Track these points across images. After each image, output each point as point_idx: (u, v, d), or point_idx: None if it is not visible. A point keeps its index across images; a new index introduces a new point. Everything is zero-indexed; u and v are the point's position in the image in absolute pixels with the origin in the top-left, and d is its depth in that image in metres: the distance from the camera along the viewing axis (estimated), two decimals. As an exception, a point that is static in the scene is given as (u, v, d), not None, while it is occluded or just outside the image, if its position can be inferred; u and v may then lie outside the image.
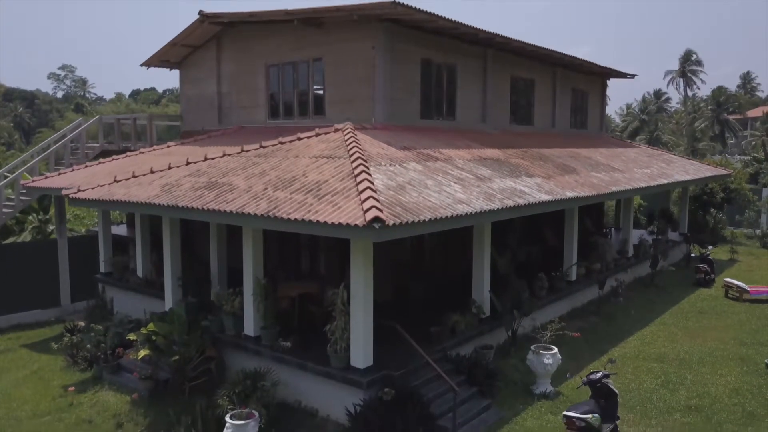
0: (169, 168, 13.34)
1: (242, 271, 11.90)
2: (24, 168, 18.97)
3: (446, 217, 9.61)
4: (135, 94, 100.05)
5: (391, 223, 8.56)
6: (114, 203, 12.38)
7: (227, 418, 9.78)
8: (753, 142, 58.05)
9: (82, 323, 15.50)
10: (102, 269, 17.62)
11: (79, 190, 13.39)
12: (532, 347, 11.91)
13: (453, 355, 11.79)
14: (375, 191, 9.42)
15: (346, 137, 12.50)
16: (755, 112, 71.92)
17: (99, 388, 12.61)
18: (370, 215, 8.46)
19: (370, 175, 10.20)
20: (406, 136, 14.06)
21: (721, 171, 25.45)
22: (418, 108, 15.78)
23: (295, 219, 9.20)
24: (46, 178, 17.52)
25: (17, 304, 18.52)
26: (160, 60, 18.87)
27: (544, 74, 20.82)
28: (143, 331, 11.38)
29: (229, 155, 13.29)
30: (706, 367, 13.21)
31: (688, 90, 76.76)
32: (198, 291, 13.78)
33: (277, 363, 11.33)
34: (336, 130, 13.33)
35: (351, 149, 11.59)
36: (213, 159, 13.24)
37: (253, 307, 11.81)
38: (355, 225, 8.47)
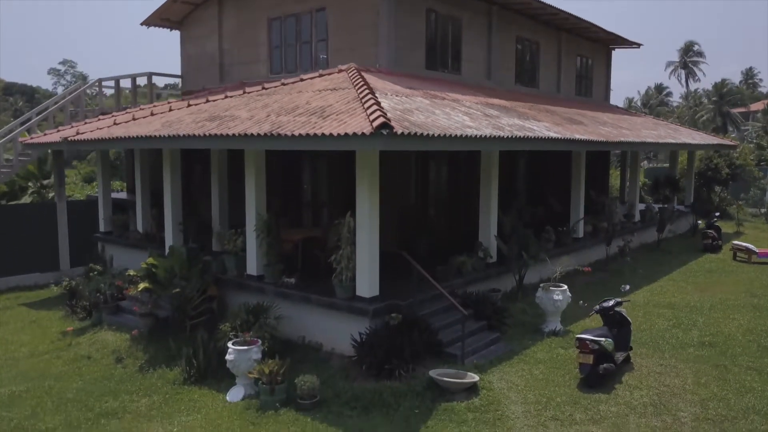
0: (170, 110, 13.09)
1: (244, 224, 11.61)
2: (22, 128, 18.70)
3: (455, 135, 9.35)
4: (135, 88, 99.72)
5: (399, 131, 8.30)
6: (113, 141, 12.13)
7: (229, 344, 9.51)
8: (756, 133, 57.83)
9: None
10: (101, 228, 17.34)
11: (78, 133, 13.13)
12: (541, 285, 11.64)
13: (459, 293, 11.51)
14: (382, 109, 9.15)
15: (351, 75, 12.24)
16: (757, 106, 71.70)
17: (98, 330, 12.34)
18: (377, 122, 8.19)
19: (377, 99, 9.92)
20: (412, 81, 13.80)
21: (727, 141, 25.16)
22: (423, 58, 15.52)
23: (299, 135, 8.94)
24: (45, 135, 17.25)
25: (15, 266, 18.22)
26: (160, 18, 18.60)
27: (549, 37, 20.57)
28: (143, 265, 11.10)
29: (231, 96, 13.04)
30: (717, 312, 12.94)
31: (690, 80, 76.44)
32: (198, 239, 13.52)
33: (281, 299, 11.06)
34: (340, 71, 13.07)
35: (356, 82, 11.32)
36: (215, 100, 13.00)
37: (255, 244, 11.53)
38: (362, 133, 8.20)
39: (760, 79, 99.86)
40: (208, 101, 12.99)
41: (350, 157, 10.16)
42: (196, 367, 10.00)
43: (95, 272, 13.59)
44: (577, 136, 13.06)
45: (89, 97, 22.05)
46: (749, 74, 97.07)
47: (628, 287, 10.77)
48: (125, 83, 19.31)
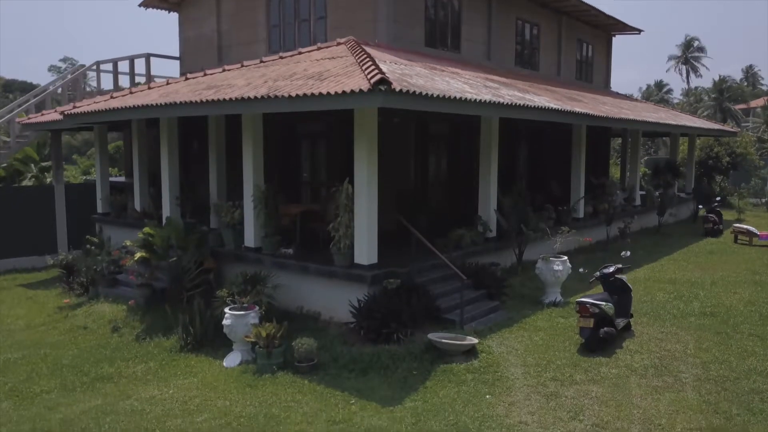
0: (168, 84, 13.00)
1: (242, 200, 11.51)
2: (20, 109, 18.60)
3: (455, 97, 9.25)
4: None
5: (398, 88, 8.20)
6: (110, 111, 12.03)
7: (226, 310, 9.42)
8: (756, 125, 57.69)
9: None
10: (99, 209, 17.23)
11: (75, 107, 13.04)
12: (541, 256, 11.54)
13: (458, 264, 11.39)
14: (381, 71, 9.03)
15: (350, 46, 12.15)
16: (758, 102, 71.52)
17: (95, 302, 12.26)
18: (375, 79, 8.10)
19: (376, 63, 9.80)
20: (411, 56, 13.70)
21: (728, 128, 25.06)
22: (423, 36, 15.43)
23: (297, 95, 8.84)
24: (42, 114, 17.18)
25: (13, 249, 18.14)
26: (158, -1, 18.52)
27: (550, 20, 20.47)
28: (140, 234, 11.01)
29: (229, 70, 12.95)
30: (719, 287, 12.85)
31: (692, 76, 76.23)
32: (195, 217, 13.42)
33: (279, 269, 10.97)
34: (338, 44, 12.98)
35: (355, 52, 11.23)
36: (212, 74, 12.91)
37: (253, 215, 11.43)
38: (360, 90, 8.11)
39: (761, 77, 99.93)
40: (205, 75, 12.92)
41: (349, 136, 10.08)
42: (193, 335, 9.91)
43: (92, 246, 13.47)
44: (578, 109, 12.98)
45: (87, 86, 21.87)
46: (749, 71, 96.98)
47: (628, 253, 10.69)
48: (123, 66, 19.22)
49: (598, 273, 9.87)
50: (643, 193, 20.87)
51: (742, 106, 75.77)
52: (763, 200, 30.12)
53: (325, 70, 10.01)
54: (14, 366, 9.57)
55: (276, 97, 9.08)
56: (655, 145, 42.07)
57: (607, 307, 9.07)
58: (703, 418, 7.00)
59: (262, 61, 13.07)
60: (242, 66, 13.03)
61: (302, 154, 15.53)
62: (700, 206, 22.57)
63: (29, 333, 11.24)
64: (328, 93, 8.48)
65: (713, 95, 71.35)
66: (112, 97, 13.10)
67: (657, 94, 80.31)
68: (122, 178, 22.09)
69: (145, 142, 15.60)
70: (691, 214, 23.42)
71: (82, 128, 18.83)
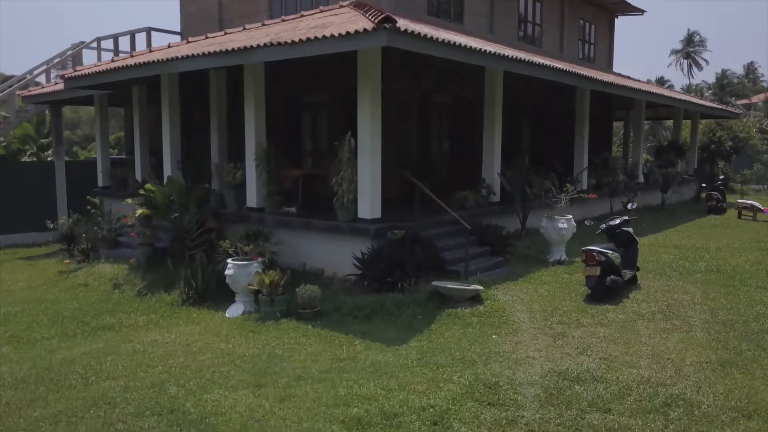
0: (168, 47, 12.90)
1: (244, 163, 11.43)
2: (19, 83, 18.50)
3: (459, 44, 9.17)
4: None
5: (402, 28, 8.11)
6: (111, 72, 11.93)
7: (229, 260, 9.33)
8: (759, 120, 57.66)
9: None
10: (100, 182, 17.14)
11: (75, 71, 12.94)
12: (546, 215, 11.44)
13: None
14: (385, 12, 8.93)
15: (353, 5, 12.02)
16: (759, 97, 71.43)
17: (95, 263, 12.16)
18: (379, 18, 8.02)
19: (381, 10, 9.69)
20: (414, 22, 13.57)
21: (731, 109, 24.95)
22: (425, 4, 15.32)
23: (300, 40, 8.77)
24: (43, 87, 17.10)
25: (13, 224, 18.06)
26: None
27: (552, -2, 20.38)
28: (141, 192, 10.92)
29: (230, 33, 12.84)
30: (724, 252, 12.73)
31: (693, 69, 76.11)
32: (197, 182, 13.30)
33: (282, 228, 10.88)
34: (341, 6, 12.85)
35: (359, 8, 11.11)
36: (214, 37, 12.80)
37: (255, 175, 11.34)
38: (364, 30, 8.03)
39: (762, 74, 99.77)
40: (207, 38, 12.81)
41: (351, 106, 10.00)
42: (195, 289, 9.83)
43: (93, 208, 13.38)
44: (583, 72, 12.87)
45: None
46: (750, 68, 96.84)
47: (635, 205, 10.61)
48: (124, 43, 19.14)
49: (603, 225, 9.78)
50: (647, 172, 20.76)
51: (744, 101, 75.64)
52: (767, 186, 30.05)
53: (329, 23, 9.92)
54: (14, 318, 9.48)
55: (279, 43, 9.00)
56: (657, 137, 42.01)
57: (614, 255, 8.97)
58: (712, 353, 6.90)
59: (264, 24, 12.97)
60: (244, 29, 12.93)
61: (304, 126, 15.44)
62: (703, 185, 22.45)
63: (29, 292, 11.16)
64: (332, 35, 8.40)
65: (714, 90, 71.36)
66: (112, 60, 13.00)
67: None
68: (123, 157, 21.98)
69: (146, 118, 15.50)
70: (694, 194, 23.30)
71: (82, 101, 18.74)
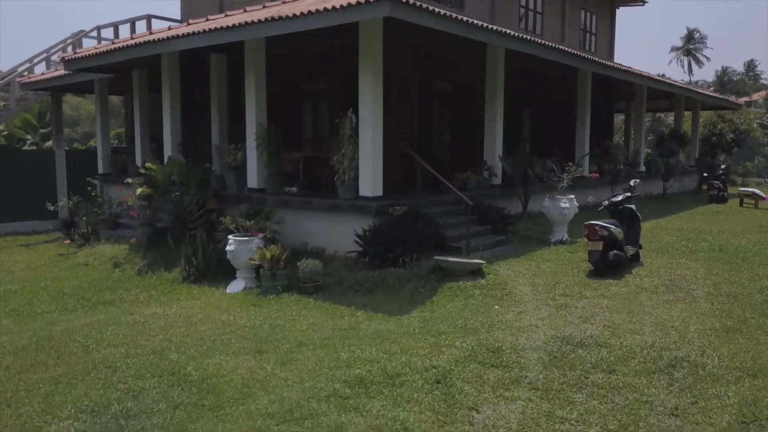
0: (169, 29, 12.86)
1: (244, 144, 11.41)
2: (21, 69, 18.45)
3: (462, 19, 9.16)
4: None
5: None
6: (112, 52, 11.90)
7: (230, 237, 9.29)
8: (759, 117, 57.63)
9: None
10: (100, 169, 17.09)
11: (76, 53, 12.90)
12: (548, 195, 11.40)
13: (462, 205, 11.25)
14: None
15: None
16: (760, 95, 71.41)
17: (96, 244, 12.12)
18: (382, -11, 7.97)
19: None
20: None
21: (732, 99, 24.91)
22: (426, -12, 15.27)
23: (300, 13, 8.72)
24: (43, 74, 17.06)
25: (13, 213, 18.03)
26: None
27: (553, -14, 20.34)
28: (141, 170, 10.88)
29: (230, 15, 12.82)
30: (726, 234, 12.66)
31: (693, 66, 76.06)
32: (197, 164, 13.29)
33: (283, 207, 10.84)
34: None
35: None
36: (214, 19, 12.77)
37: (256, 155, 11.29)
38: (366, 0, 7.97)
39: (761, 71, 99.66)
40: (207, 20, 12.79)
41: (351, 93, 9.98)
42: (196, 266, 9.79)
43: (94, 192, 13.35)
44: (585, 55, 12.82)
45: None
46: (750, 66, 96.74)
47: (638, 181, 10.55)
48: (124, 31, 19.07)
49: (606, 202, 9.74)
50: (648, 160, 20.73)
51: (744, 98, 75.67)
52: (767, 179, 30.00)
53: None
54: (14, 294, 9.46)
55: (279, 17, 8.96)
56: (657, 133, 41.84)
57: (617, 230, 8.93)
58: (716, 321, 6.86)
59: (264, 6, 12.94)
60: (245, 11, 12.90)
61: (304, 114, 15.40)
62: (705, 174, 22.40)
63: (29, 272, 11.13)
64: (333, 7, 8.37)
65: (715, 87, 71.30)
66: (113, 43, 12.97)
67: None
68: (123, 146, 21.94)
69: (147, 106, 15.44)
70: (695, 185, 23.24)
71: (82, 89, 18.71)
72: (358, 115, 9.82)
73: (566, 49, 12.09)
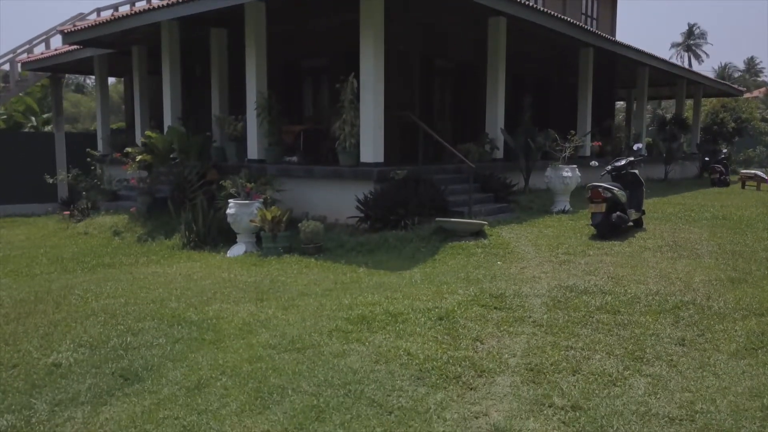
0: (169, 2, 12.77)
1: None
2: (22, 51, 18.38)
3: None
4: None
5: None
6: (111, 23, 11.83)
7: (230, 200, 9.23)
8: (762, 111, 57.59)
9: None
10: (100, 148, 17.01)
11: (75, 26, 12.83)
12: (551, 165, 11.33)
13: (464, 175, 11.18)
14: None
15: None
16: (761, 91, 71.34)
17: (96, 216, 12.06)
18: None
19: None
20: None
21: (734, 86, 24.84)
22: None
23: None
24: (42, 54, 17.00)
25: (13, 195, 17.95)
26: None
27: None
28: (142, 140, 10.81)
29: None
30: (729, 208, 12.59)
31: (694, 62, 75.98)
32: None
33: (284, 177, 10.76)
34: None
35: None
36: None
37: (256, 125, 11.22)
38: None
39: (762, 68, 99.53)
40: None
41: (352, 70, 9.93)
42: (196, 232, 9.73)
43: (93, 167, 13.29)
44: (588, 27, 12.74)
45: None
46: (751, 63, 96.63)
47: (641, 145, 10.50)
48: (124, 11, 18.95)
49: (609, 166, 9.68)
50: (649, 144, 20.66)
51: (746, 95, 75.73)
52: (768, 169, 29.88)
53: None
54: (14, 258, 9.40)
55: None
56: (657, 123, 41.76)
57: (620, 193, 8.87)
58: (721, 272, 6.80)
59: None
60: None
61: (304, 91, 15.34)
62: (706, 158, 22.33)
63: (29, 242, 11.09)
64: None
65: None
66: (112, 16, 12.90)
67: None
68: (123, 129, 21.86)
69: (147, 87, 15.35)
70: (697, 171, 23.16)
71: (82, 69, 18.64)
72: (359, 81, 9.75)
73: (572, 20, 12.01)
